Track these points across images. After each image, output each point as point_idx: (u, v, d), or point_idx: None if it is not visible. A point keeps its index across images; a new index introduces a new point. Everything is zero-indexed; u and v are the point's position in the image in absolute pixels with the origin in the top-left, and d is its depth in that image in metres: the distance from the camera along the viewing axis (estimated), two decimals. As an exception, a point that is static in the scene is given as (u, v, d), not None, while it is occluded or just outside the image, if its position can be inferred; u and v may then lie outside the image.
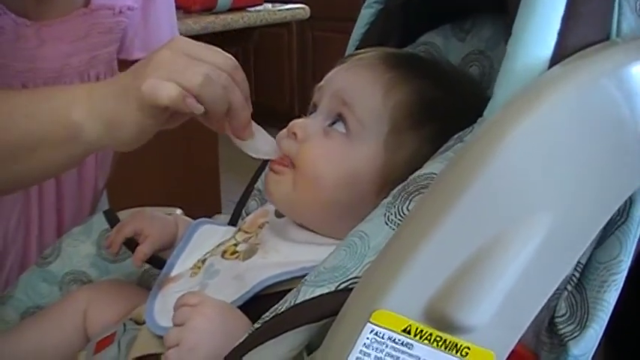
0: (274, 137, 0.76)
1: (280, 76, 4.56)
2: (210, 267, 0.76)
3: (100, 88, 0.72)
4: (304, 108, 0.79)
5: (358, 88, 0.72)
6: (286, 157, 0.73)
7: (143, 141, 0.72)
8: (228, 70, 0.68)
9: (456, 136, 0.61)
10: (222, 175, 2.22)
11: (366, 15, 0.88)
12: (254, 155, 0.75)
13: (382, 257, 0.52)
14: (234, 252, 0.76)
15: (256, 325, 0.57)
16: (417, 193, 0.57)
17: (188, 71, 0.66)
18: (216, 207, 2.14)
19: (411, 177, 0.60)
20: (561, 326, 0.56)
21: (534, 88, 0.49)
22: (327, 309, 0.53)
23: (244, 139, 0.72)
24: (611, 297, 0.54)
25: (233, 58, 0.70)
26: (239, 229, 0.82)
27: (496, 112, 0.51)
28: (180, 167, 1.88)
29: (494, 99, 0.53)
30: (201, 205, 2.01)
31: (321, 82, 0.76)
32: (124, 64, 1.11)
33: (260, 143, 0.73)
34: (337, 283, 0.55)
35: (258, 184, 0.92)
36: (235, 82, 0.69)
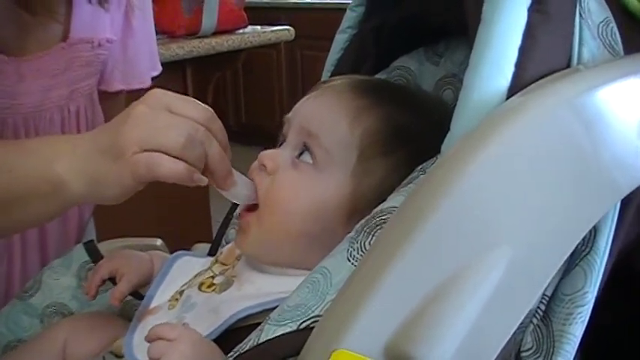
0: None
1: (270, 96, 4.56)
2: (187, 300, 0.75)
3: (83, 145, 0.71)
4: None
5: (324, 117, 0.72)
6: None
7: (126, 198, 0.71)
8: (205, 122, 0.67)
9: (419, 167, 0.60)
10: (213, 197, 2.21)
11: (340, 40, 0.88)
12: (238, 202, 0.75)
13: (341, 296, 0.52)
14: (212, 284, 0.75)
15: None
16: (378, 227, 0.56)
17: (170, 133, 0.65)
18: (206, 230, 2.13)
19: (374, 211, 0.59)
20: None
21: (490, 121, 0.49)
22: (289, 349, 0.53)
23: (226, 189, 0.71)
24: (576, 330, 0.53)
25: (210, 109, 0.69)
26: (216, 261, 0.81)
27: (453, 145, 0.51)
28: (169, 191, 1.87)
29: (451, 132, 0.52)
30: (192, 228, 2.01)
31: (289, 114, 0.76)
32: (104, 95, 1.12)
33: (242, 189, 0.72)
34: (299, 322, 0.54)
35: (237, 212, 0.91)
36: (213, 133, 0.68)
